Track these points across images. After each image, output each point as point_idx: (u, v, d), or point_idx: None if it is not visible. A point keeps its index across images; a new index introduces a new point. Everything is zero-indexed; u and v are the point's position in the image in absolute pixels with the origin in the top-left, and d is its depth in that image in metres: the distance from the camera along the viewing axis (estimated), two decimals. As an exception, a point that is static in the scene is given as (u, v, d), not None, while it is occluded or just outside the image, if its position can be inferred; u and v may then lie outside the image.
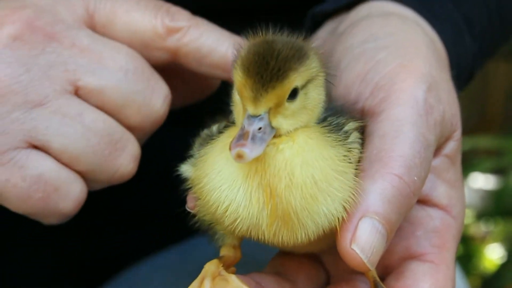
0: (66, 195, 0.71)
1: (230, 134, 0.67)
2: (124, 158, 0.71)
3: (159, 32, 0.77)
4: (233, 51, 0.70)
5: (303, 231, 0.65)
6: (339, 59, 0.77)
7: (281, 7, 0.97)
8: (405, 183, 0.66)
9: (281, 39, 0.66)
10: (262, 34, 0.67)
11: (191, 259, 1.01)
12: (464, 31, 0.89)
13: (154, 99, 0.73)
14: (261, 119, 0.63)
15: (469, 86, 0.82)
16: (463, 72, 0.88)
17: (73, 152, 0.70)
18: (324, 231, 0.65)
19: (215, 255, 0.72)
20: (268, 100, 0.63)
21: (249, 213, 0.64)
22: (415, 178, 0.67)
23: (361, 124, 0.71)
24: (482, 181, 3.02)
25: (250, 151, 0.60)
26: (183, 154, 0.73)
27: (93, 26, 0.75)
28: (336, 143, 0.67)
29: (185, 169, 0.72)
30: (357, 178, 0.66)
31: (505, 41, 1.10)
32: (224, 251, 0.72)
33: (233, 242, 0.73)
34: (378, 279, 0.70)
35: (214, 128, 0.72)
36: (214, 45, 0.79)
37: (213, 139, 0.69)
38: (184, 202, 0.73)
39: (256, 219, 0.64)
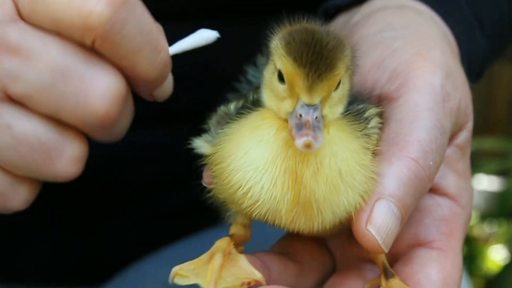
0: (12, 198, 0.68)
1: (262, 116, 0.67)
2: (62, 164, 0.65)
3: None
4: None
5: (320, 219, 0.65)
6: (355, 52, 0.78)
7: (288, 4, 0.98)
8: (421, 167, 0.67)
9: (319, 27, 0.66)
10: (294, 22, 0.67)
11: (195, 255, 1.02)
12: (476, 28, 0.90)
13: (90, 97, 0.63)
14: (316, 108, 0.63)
15: (474, 88, 0.83)
16: (473, 69, 0.89)
17: (6, 162, 0.65)
18: (339, 221, 0.66)
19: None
20: (322, 90, 0.64)
21: (271, 197, 0.65)
22: (431, 163, 0.68)
23: (381, 109, 0.72)
24: (486, 183, 3.02)
25: (316, 140, 0.61)
26: (186, 152, 0.73)
27: (20, 15, 0.66)
28: (359, 133, 0.68)
29: (200, 144, 0.72)
30: (375, 169, 0.67)
31: None
32: (234, 230, 0.73)
33: (243, 221, 0.73)
34: (387, 264, 0.71)
35: (232, 106, 0.72)
36: None
37: (232, 119, 0.70)
38: (188, 198, 0.73)
39: (277, 204, 0.65)
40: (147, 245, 1.10)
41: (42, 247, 1.09)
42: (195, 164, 0.73)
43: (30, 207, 0.94)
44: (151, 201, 1.09)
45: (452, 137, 0.75)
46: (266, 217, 0.66)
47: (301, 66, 0.63)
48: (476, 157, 2.81)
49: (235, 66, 0.83)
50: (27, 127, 0.64)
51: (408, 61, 0.74)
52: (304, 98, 0.63)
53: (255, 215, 0.67)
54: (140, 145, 1.01)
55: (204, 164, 0.72)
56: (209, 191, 0.73)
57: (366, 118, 0.70)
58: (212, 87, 0.87)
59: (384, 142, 0.69)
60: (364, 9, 0.85)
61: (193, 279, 0.66)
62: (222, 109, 0.73)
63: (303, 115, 0.63)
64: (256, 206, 0.65)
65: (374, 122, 0.71)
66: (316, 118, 0.62)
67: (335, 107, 0.67)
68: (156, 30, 0.66)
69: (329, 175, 0.65)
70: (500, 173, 2.93)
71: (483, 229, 2.89)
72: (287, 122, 0.65)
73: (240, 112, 0.70)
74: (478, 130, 0.80)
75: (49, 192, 0.95)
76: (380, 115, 0.72)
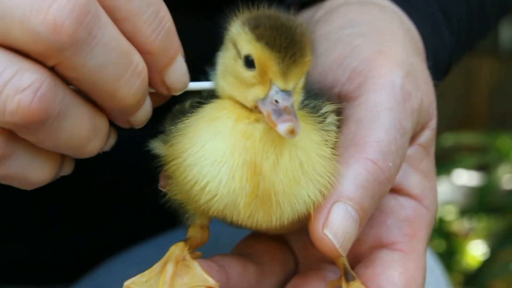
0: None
1: (219, 107, 0.66)
2: (7, 94, 0.56)
3: None
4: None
5: (279, 213, 0.64)
6: (317, 45, 0.77)
7: None
8: (379, 168, 0.66)
9: (281, 13, 0.65)
10: (254, 9, 0.66)
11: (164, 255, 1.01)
12: (441, 22, 0.89)
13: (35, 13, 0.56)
14: (290, 94, 0.62)
15: (454, 82, 0.82)
16: (440, 65, 0.88)
17: None
18: (298, 216, 0.65)
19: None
20: (296, 75, 0.63)
21: (229, 190, 0.63)
22: (390, 164, 0.66)
23: (338, 106, 0.70)
24: (465, 178, 3.03)
25: (298, 126, 0.59)
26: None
27: None
28: (318, 126, 0.67)
29: (156, 145, 0.70)
30: (335, 164, 0.66)
31: (483, 37, 1.09)
32: (192, 232, 0.71)
33: (202, 222, 0.72)
34: (348, 266, 0.69)
35: (187, 104, 0.70)
36: None
37: (186, 116, 0.67)
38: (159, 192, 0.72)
39: (235, 197, 0.63)
40: (116, 245, 1.08)
41: (12, 246, 1.07)
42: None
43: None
44: (121, 200, 1.07)
45: (414, 136, 0.73)
46: (224, 213, 0.65)
47: (275, 50, 0.62)
48: (455, 152, 2.81)
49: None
50: None
51: (368, 59, 0.72)
52: (279, 84, 0.62)
53: (213, 212, 0.65)
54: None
55: (161, 166, 0.70)
56: (165, 194, 0.71)
57: (323, 114, 0.69)
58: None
59: (343, 143, 0.68)
60: (327, 4, 0.84)
61: None
62: (177, 108, 0.71)
63: (280, 101, 0.61)
64: (213, 201, 0.64)
65: (331, 118, 0.69)
66: (291, 104, 0.62)
67: (299, 95, 0.66)
68: (131, 47, 0.62)
69: (290, 167, 0.63)
70: (480, 168, 2.94)
71: (463, 225, 2.90)
72: (254, 110, 0.64)
73: (195, 107, 0.68)
74: (458, 125, 0.79)
75: (20, 191, 0.93)
76: (337, 112, 0.70)
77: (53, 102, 0.57)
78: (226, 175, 0.63)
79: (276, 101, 0.62)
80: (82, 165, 0.77)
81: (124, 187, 1.06)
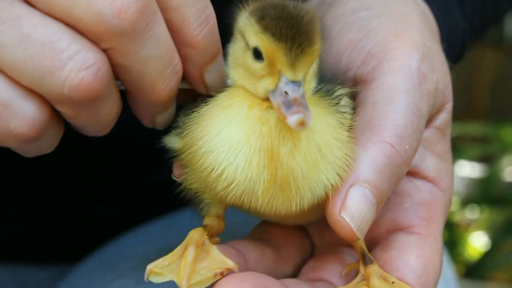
0: (16, 114, 0.61)
1: (231, 95, 0.66)
2: (71, 68, 0.59)
3: None
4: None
5: (298, 199, 0.64)
6: (330, 27, 0.76)
7: None
8: (396, 151, 0.65)
9: (287, 2, 0.64)
10: None
11: (174, 232, 1.00)
12: (455, 6, 0.88)
13: None
14: (300, 84, 0.62)
15: (456, 73, 0.82)
16: (453, 48, 0.87)
17: (10, 62, 0.59)
18: (318, 201, 0.64)
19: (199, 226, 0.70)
20: (305, 65, 0.62)
21: (246, 177, 0.63)
22: (407, 147, 0.66)
23: (351, 90, 0.70)
24: (468, 169, 3.02)
25: (309, 117, 0.59)
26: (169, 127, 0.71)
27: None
28: (333, 109, 0.66)
29: (170, 140, 0.70)
30: (352, 146, 0.65)
31: (495, 23, 1.09)
32: (208, 221, 0.71)
33: (217, 212, 0.71)
34: (366, 250, 0.69)
35: (200, 100, 0.70)
36: None
37: (199, 106, 0.67)
38: (167, 173, 0.71)
39: (253, 184, 0.63)
40: (126, 222, 1.08)
41: (18, 223, 1.07)
42: None
43: (5, 182, 0.91)
44: (127, 178, 1.07)
45: (430, 119, 0.73)
46: (241, 200, 0.64)
47: (281, 41, 0.61)
48: (458, 143, 2.81)
49: None
50: (39, 22, 0.59)
51: (383, 42, 0.72)
52: (288, 75, 0.62)
53: (230, 199, 0.65)
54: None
55: (174, 157, 0.70)
56: (180, 184, 0.71)
57: (337, 97, 0.68)
58: None
59: (359, 126, 0.67)
60: None
61: (167, 276, 0.64)
62: (189, 104, 0.71)
63: (289, 92, 0.61)
64: (231, 188, 0.63)
65: (345, 101, 0.69)
66: (301, 95, 0.61)
67: (310, 83, 0.65)
68: (174, 48, 0.64)
69: (307, 151, 0.63)
70: (482, 159, 2.93)
71: (464, 216, 2.90)
72: (266, 100, 0.63)
73: (206, 101, 0.68)
74: (460, 116, 0.78)
75: (26, 168, 0.93)
76: (351, 96, 0.70)
77: (107, 84, 0.60)
78: (243, 161, 0.63)
79: (286, 93, 0.61)
80: (88, 142, 0.77)
81: (130, 165, 1.06)
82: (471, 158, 2.92)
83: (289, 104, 0.60)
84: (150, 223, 1.08)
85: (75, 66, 0.58)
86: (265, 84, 0.63)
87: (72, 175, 1.03)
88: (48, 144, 0.65)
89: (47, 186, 1.04)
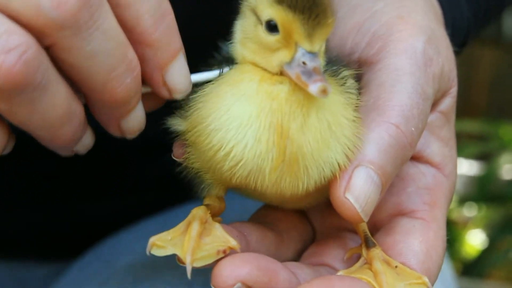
0: None
1: (241, 71, 0.65)
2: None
3: None
4: None
5: (306, 178, 0.63)
6: (336, 10, 0.75)
7: None
8: (402, 133, 0.65)
9: None
10: None
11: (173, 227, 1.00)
12: None
13: None
14: (317, 56, 0.61)
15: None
16: (457, 35, 0.87)
17: None
18: (325, 181, 0.64)
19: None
20: (321, 37, 0.62)
21: (255, 154, 0.62)
22: (413, 129, 0.65)
23: (355, 71, 0.69)
24: (465, 167, 3.02)
25: (329, 85, 0.58)
26: (163, 121, 0.70)
27: None
28: (340, 88, 0.66)
29: (174, 121, 0.69)
30: (360, 126, 0.64)
31: (500, 12, 1.09)
32: (208, 201, 0.70)
33: (218, 193, 0.70)
34: (369, 233, 0.68)
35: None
36: None
37: (204, 87, 0.66)
38: (166, 169, 0.71)
39: (261, 162, 0.62)
40: (124, 219, 1.07)
41: (14, 219, 1.06)
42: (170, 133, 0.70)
43: (2, 177, 0.90)
44: (126, 173, 1.06)
45: (435, 103, 0.72)
46: (248, 180, 0.63)
47: (298, 12, 0.61)
48: (456, 141, 2.80)
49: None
50: None
51: (388, 24, 0.71)
52: (305, 46, 0.61)
53: (236, 179, 0.64)
54: None
55: (175, 138, 0.69)
56: (180, 164, 0.70)
57: (343, 78, 0.68)
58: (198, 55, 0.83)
59: (364, 107, 0.67)
60: None
61: (170, 249, 0.64)
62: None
63: (307, 62, 0.61)
64: (238, 167, 0.63)
65: (350, 82, 0.68)
66: (319, 65, 0.61)
67: (322, 59, 0.64)
68: (127, 42, 0.61)
69: (318, 128, 0.62)
70: (480, 157, 2.93)
71: (462, 213, 2.90)
72: (278, 74, 0.63)
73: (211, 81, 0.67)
74: (458, 113, 0.77)
75: (23, 163, 0.92)
76: (355, 78, 0.69)
77: (36, 70, 0.56)
78: (252, 138, 0.62)
79: (304, 63, 0.61)
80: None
81: (129, 160, 1.05)
82: (469, 156, 2.92)
83: (309, 73, 0.60)
84: (148, 219, 1.07)
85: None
86: (280, 57, 0.63)
87: (70, 171, 1.02)
88: None
89: (45, 182, 1.03)
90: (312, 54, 0.61)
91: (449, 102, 0.74)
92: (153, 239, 0.64)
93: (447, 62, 0.72)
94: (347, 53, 0.72)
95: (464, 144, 2.81)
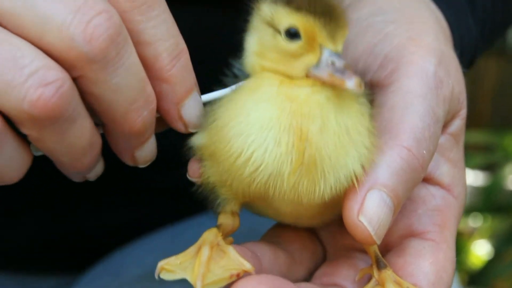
0: None
1: (260, 77, 0.66)
2: (30, 84, 0.59)
3: None
4: None
5: (322, 183, 0.63)
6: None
7: None
8: (414, 155, 0.65)
9: None
10: None
11: (183, 241, 1.00)
12: (467, 12, 0.88)
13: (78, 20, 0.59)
14: (342, 55, 0.63)
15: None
16: (465, 56, 0.88)
17: None
18: (339, 190, 0.64)
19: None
20: (342, 38, 0.64)
21: (275, 158, 0.62)
22: (424, 151, 0.66)
23: (367, 91, 0.70)
24: (471, 177, 3.02)
25: (362, 80, 0.61)
26: (179, 135, 0.71)
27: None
28: (356, 100, 0.67)
29: (195, 138, 0.70)
30: (376, 137, 0.65)
31: (505, 29, 1.09)
32: (222, 219, 0.71)
33: (233, 208, 0.71)
34: (379, 254, 0.69)
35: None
36: None
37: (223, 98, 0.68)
38: (176, 182, 0.71)
39: (280, 165, 0.62)
40: (135, 230, 1.07)
41: (22, 231, 1.06)
42: (181, 144, 0.71)
43: (9, 188, 0.91)
44: (137, 185, 1.07)
45: (445, 125, 0.73)
46: (267, 186, 0.64)
47: (319, 16, 0.63)
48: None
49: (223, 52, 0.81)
50: (4, 40, 0.60)
51: (400, 46, 0.72)
52: (330, 46, 0.63)
53: (256, 185, 0.64)
54: None
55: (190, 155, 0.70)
56: (193, 184, 0.71)
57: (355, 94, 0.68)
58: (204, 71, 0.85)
59: (376, 129, 0.67)
60: None
61: (180, 273, 0.64)
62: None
63: (336, 61, 0.62)
64: (258, 172, 0.63)
65: (363, 100, 0.69)
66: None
67: None
68: (146, 77, 0.65)
69: (336, 131, 0.63)
70: (485, 167, 2.93)
71: (467, 224, 2.89)
72: (306, 78, 0.64)
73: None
74: None
75: (31, 175, 0.92)
76: (367, 96, 0.70)
77: (69, 104, 0.60)
78: (272, 141, 0.63)
79: (333, 62, 0.63)
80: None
81: (138, 171, 1.05)
82: (474, 166, 2.92)
83: (342, 70, 0.62)
84: (157, 231, 1.07)
85: (35, 82, 0.58)
86: (305, 61, 0.64)
87: (79, 183, 1.03)
88: (8, 166, 0.64)
89: (54, 193, 1.03)
90: (338, 53, 0.63)
91: (458, 124, 0.74)
92: (161, 263, 0.65)
93: (457, 84, 0.73)
94: (358, 74, 0.73)
95: (469, 154, 2.81)
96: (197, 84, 0.69)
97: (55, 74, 0.59)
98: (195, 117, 0.69)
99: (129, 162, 0.71)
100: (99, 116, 0.65)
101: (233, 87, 0.69)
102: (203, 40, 0.91)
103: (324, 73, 0.63)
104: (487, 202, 2.76)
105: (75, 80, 0.61)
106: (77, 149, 0.64)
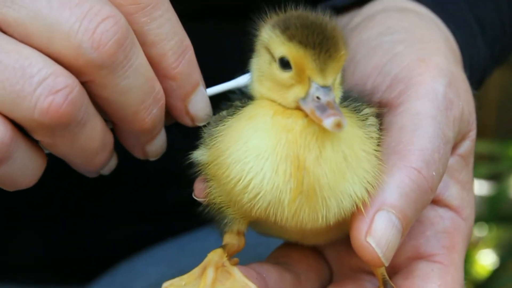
0: None
1: (256, 106, 0.66)
2: (40, 93, 0.59)
3: None
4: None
5: (325, 210, 0.63)
6: (355, 51, 0.76)
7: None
8: (423, 177, 0.65)
9: (310, 13, 0.65)
10: (282, 11, 0.67)
11: (188, 252, 1.00)
12: (477, 33, 0.88)
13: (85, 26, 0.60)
14: (330, 90, 0.62)
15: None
16: (475, 75, 0.87)
17: None
18: (344, 214, 0.64)
19: (213, 248, 0.70)
20: (334, 70, 0.63)
21: (273, 186, 0.62)
22: (434, 173, 0.66)
23: (377, 110, 0.70)
24: (476, 187, 3.01)
25: (344, 119, 0.59)
26: (184, 149, 0.71)
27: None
28: (361, 123, 0.66)
29: (199, 153, 0.70)
30: (380, 161, 0.65)
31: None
32: (228, 239, 0.71)
33: (240, 228, 0.71)
34: (387, 276, 0.68)
35: (224, 112, 0.70)
36: None
37: (225, 119, 0.68)
38: (182, 193, 0.71)
39: (279, 193, 0.62)
40: (140, 242, 1.07)
41: (28, 244, 1.06)
42: (185, 160, 0.71)
43: (14, 201, 0.91)
44: (143, 198, 1.07)
45: (454, 146, 0.73)
46: (267, 212, 0.64)
47: (309, 48, 0.62)
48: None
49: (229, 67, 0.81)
50: (12, 49, 0.61)
51: (409, 67, 0.72)
52: (318, 80, 0.62)
53: (256, 212, 0.64)
54: None
55: (198, 174, 0.70)
56: (200, 204, 0.71)
57: (364, 115, 0.68)
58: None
59: (385, 151, 0.67)
60: (364, 11, 0.83)
61: None
62: (213, 118, 0.72)
63: (321, 97, 0.62)
64: (257, 199, 0.63)
65: (372, 120, 0.69)
66: (333, 99, 0.62)
67: (337, 91, 0.66)
68: (154, 76, 0.66)
69: (333, 159, 0.63)
70: (491, 177, 2.92)
71: (473, 234, 2.88)
72: (296, 109, 0.64)
73: (232, 113, 0.68)
74: None
75: (37, 187, 0.92)
76: (377, 116, 0.70)
77: (79, 109, 0.61)
78: (269, 169, 0.62)
79: (318, 98, 0.62)
80: None
81: (144, 185, 1.05)
82: (479, 176, 2.91)
83: (323, 108, 0.61)
84: (162, 244, 1.07)
85: (45, 90, 0.59)
86: (295, 93, 0.64)
87: (84, 194, 1.03)
88: (22, 172, 0.64)
89: (58, 206, 1.03)
90: (326, 88, 0.62)
91: (468, 145, 0.74)
92: (166, 284, 0.65)
93: (467, 105, 0.73)
94: (367, 94, 0.73)
95: (474, 164, 2.80)
96: (202, 78, 0.70)
97: (64, 81, 0.59)
98: (201, 111, 0.71)
99: (140, 156, 0.72)
100: (109, 117, 0.66)
101: (238, 80, 0.71)
102: (215, 54, 0.91)
103: (307, 108, 0.62)
104: (492, 211, 2.74)
105: (84, 84, 0.62)
106: (89, 151, 0.65)
